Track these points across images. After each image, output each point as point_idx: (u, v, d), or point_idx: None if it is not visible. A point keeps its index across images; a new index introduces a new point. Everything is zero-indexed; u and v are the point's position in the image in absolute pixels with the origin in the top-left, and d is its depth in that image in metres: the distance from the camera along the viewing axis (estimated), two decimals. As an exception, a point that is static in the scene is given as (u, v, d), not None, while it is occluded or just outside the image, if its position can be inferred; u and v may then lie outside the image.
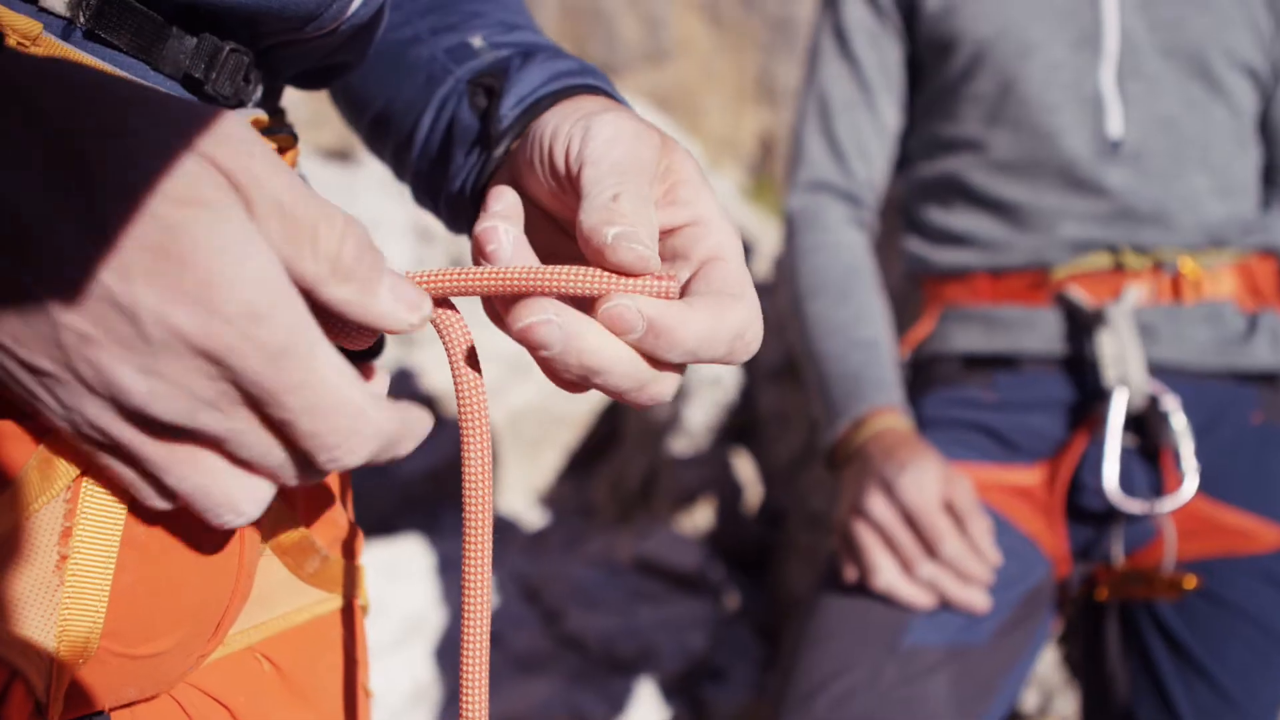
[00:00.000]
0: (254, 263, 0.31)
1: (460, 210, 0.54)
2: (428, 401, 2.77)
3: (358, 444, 0.34)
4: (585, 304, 0.39)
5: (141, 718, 0.41)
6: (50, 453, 0.36)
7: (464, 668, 0.43)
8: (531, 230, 0.47)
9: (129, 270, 0.31)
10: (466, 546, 0.42)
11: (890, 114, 1.25)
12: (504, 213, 0.43)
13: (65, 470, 0.36)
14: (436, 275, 0.40)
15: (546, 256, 0.45)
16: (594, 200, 0.40)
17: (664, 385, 0.40)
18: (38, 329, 0.31)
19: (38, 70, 0.32)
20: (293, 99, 0.61)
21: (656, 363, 0.39)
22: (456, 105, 0.53)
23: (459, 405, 0.41)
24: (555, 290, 0.38)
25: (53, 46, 0.37)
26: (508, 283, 0.39)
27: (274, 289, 0.32)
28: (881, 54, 1.24)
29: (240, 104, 0.45)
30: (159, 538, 0.39)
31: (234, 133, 0.33)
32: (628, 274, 0.39)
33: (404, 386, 2.75)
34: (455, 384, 0.41)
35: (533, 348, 0.37)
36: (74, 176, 0.31)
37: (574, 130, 0.43)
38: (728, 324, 0.39)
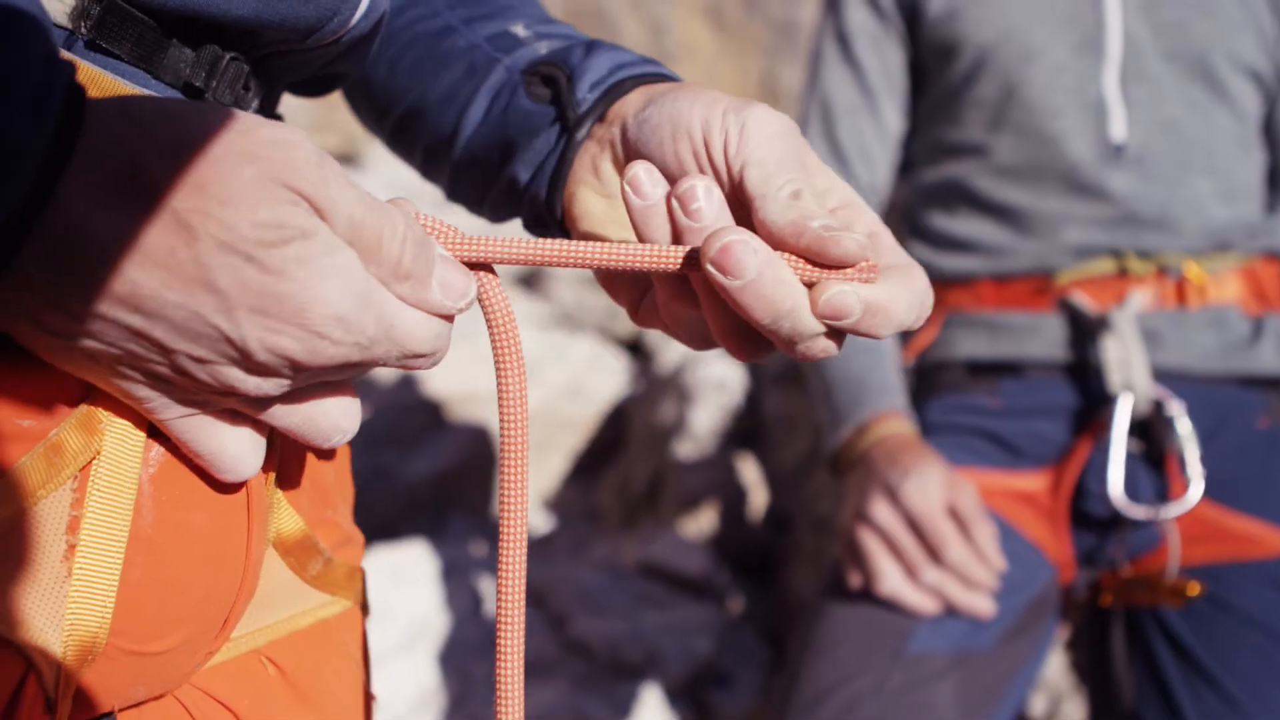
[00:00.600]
0: (341, 279, 0.36)
1: (526, 199, 0.54)
2: (432, 407, 2.77)
3: (440, 349, 0.40)
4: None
5: (149, 718, 0.41)
6: (57, 440, 0.37)
7: (499, 661, 0.43)
8: (611, 214, 0.49)
9: (233, 309, 0.34)
10: (504, 511, 0.44)
11: (893, 118, 1.25)
12: (673, 180, 0.44)
13: (72, 458, 0.37)
14: (548, 247, 0.42)
15: (623, 235, 0.47)
16: (777, 198, 0.41)
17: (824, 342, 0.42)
18: (151, 353, 0.35)
19: (125, 119, 0.34)
20: (297, 104, 0.60)
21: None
22: (511, 97, 0.53)
23: (498, 369, 0.44)
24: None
25: None
26: (658, 259, 0.42)
27: (359, 296, 0.36)
28: (884, 58, 1.24)
29: (241, 109, 0.45)
30: (166, 532, 0.39)
31: (309, 158, 0.36)
32: (848, 264, 0.41)
33: (407, 391, 2.76)
34: (494, 347, 0.44)
35: (735, 274, 0.39)
36: (179, 236, 0.33)
37: (729, 124, 0.44)
38: (919, 292, 0.42)
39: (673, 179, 0.44)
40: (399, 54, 0.57)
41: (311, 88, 0.55)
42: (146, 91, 0.41)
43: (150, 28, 0.40)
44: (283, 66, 0.47)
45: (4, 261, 0.32)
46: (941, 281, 1.21)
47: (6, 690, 0.36)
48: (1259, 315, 1.13)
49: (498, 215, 0.57)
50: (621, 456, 2.87)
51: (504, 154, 0.53)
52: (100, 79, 0.39)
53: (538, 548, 2.46)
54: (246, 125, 0.35)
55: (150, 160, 0.33)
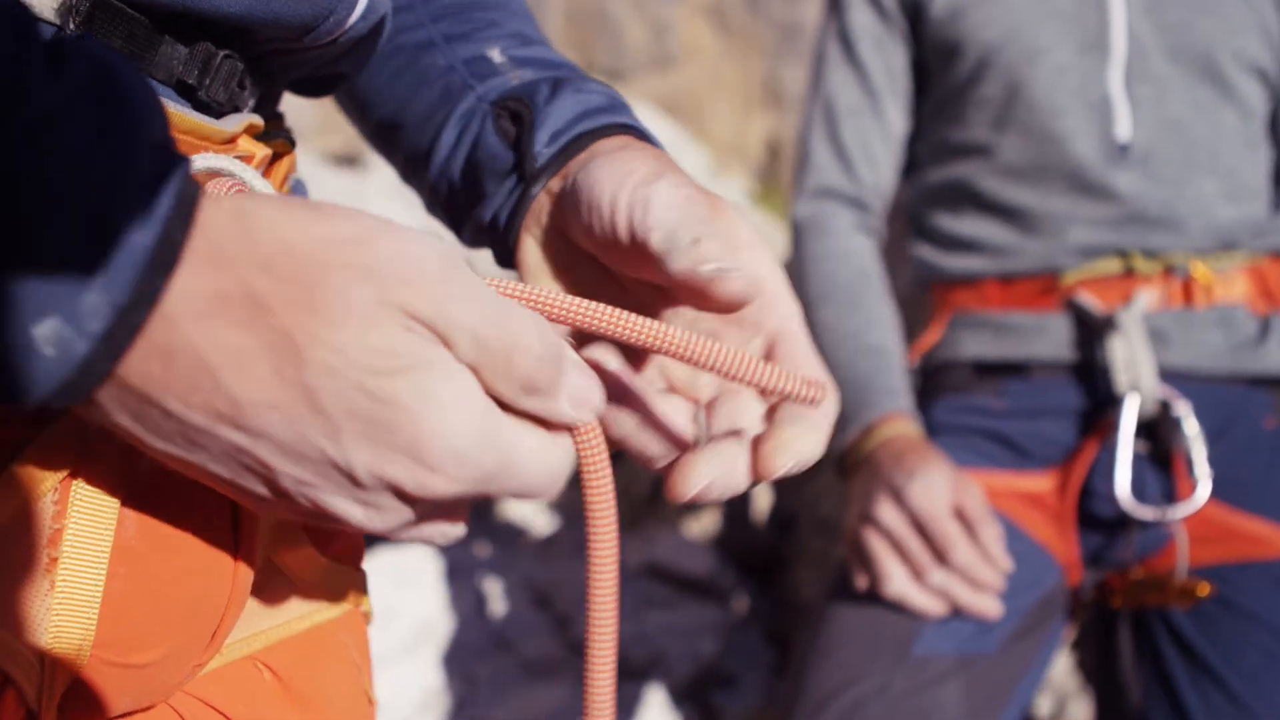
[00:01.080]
0: (458, 412, 0.33)
1: (491, 239, 0.54)
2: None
3: (555, 490, 0.38)
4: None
5: None
6: (37, 451, 0.36)
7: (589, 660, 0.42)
8: (571, 266, 0.48)
9: (341, 435, 0.33)
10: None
11: (897, 119, 1.24)
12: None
13: (53, 470, 0.36)
14: (560, 303, 0.40)
15: (585, 293, 0.45)
16: (678, 249, 0.41)
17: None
18: (254, 469, 0.34)
19: (236, 225, 0.32)
20: (300, 103, 0.60)
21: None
22: (480, 128, 0.52)
23: (590, 525, 0.41)
24: (696, 360, 0.39)
25: None
26: (648, 336, 0.39)
27: (478, 430, 0.34)
28: (887, 59, 1.23)
29: (235, 109, 0.45)
30: (150, 543, 0.39)
31: (431, 273, 0.33)
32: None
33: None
34: (587, 500, 0.41)
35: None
36: (286, 355, 0.32)
37: (634, 201, 0.43)
38: (821, 436, 0.42)
39: (585, 245, 0.46)
40: (381, 61, 0.57)
41: (312, 87, 0.54)
42: None
43: (141, 24, 0.39)
44: (280, 65, 0.47)
45: (103, 370, 0.31)
46: (946, 282, 1.21)
47: None
48: (1266, 314, 1.12)
49: (472, 245, 0.57)
50: (626, 458, 2.86)
51: (473, 192, 0.53)
52: None
53: (542, 549, 2.46)
54: (367, 234, 0.33)
55: (258, 274, 0.32)
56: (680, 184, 0.44)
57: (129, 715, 0.41)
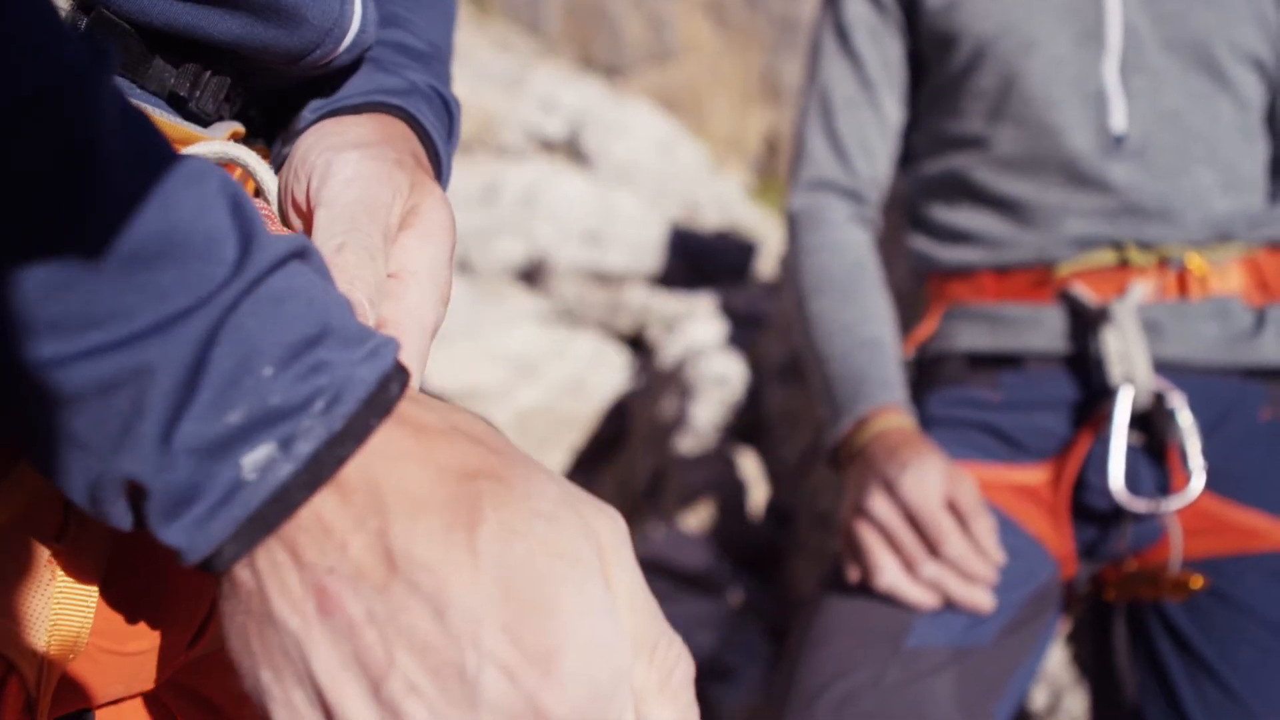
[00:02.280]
0: (609, 634, 0.30)
1: None
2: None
3: None
4: None
5: (127, 715, 0.42)
6: None
7: None
8: None
9: (480, 618, 0.28)
10: None
11: (892, 110, 1.24)
12: None
13: None
14: None
15: None
16: (325, 249, 0.40)
17: None
18: (347, 664, 0.29)
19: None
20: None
21: None
22: None
23: None
24: None
25: None
26: None
27: (620, 667, 0.30)
28: (883, 50, 1.23)
29: (220, 118, 0.46)
30: (146, 537, 0.39)
31: (607, 508, 0.33)
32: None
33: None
34: None
35: None
36: (461, 524, 0.29)
37: (317, 163, 0.43)
38: None
39: (285, 212, 0.44)
40: None
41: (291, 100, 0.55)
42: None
43: (135, 40, 0.40)
44: (267, 80, 0.48)
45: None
46: (942, 274, 1.21)
47: None
48: (1261, 306, 1.12)
49: None
50: (623, 452, 2.86)
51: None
52: None
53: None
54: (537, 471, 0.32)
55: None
56: (363, 160, 0.43)
57: (118, 703, 0.42)
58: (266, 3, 0.42)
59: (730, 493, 2.36)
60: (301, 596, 0.29)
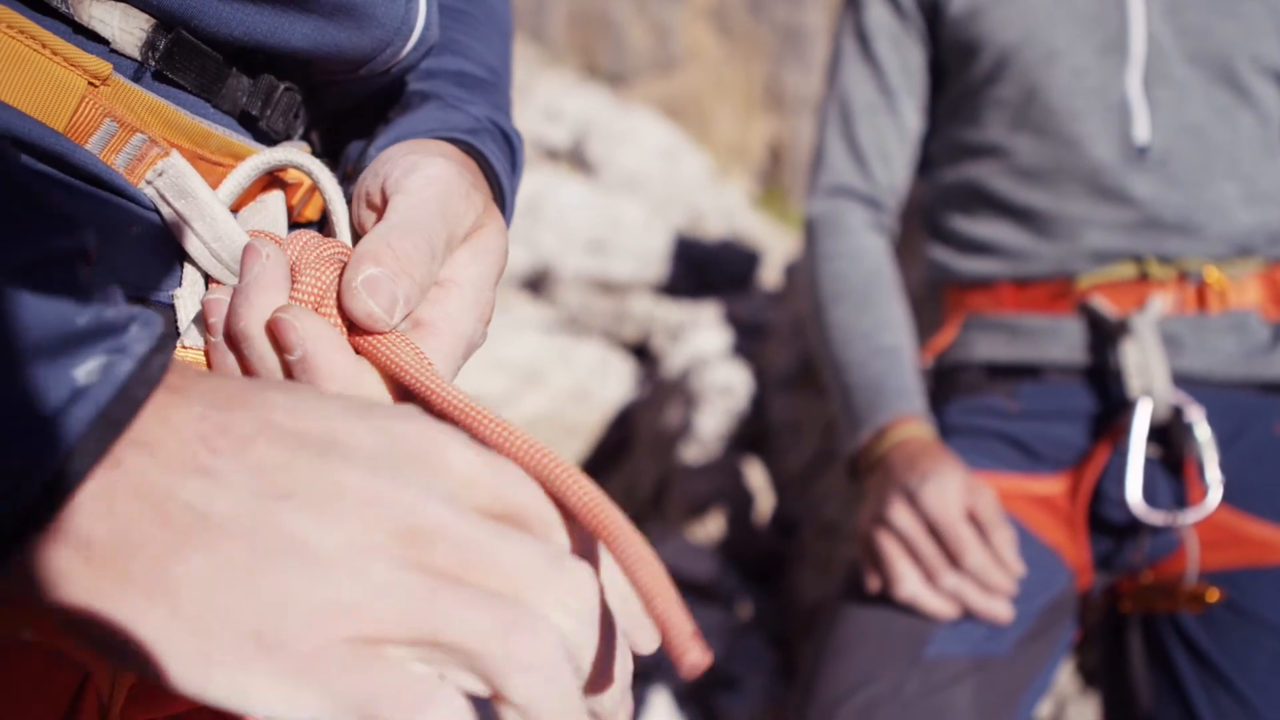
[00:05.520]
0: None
1: None
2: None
3: None
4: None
5: None
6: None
7: None
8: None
9: None
10: None
11: (912, 117, 1.24)
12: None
13: None
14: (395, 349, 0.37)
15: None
16: (383, 225, 0.40)
17: None
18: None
19: None
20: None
21: None
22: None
23: None
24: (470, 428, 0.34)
25: (120, 86, 0.38)
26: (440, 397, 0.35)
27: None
28: (904, 57, 1.23)
29: (289, 136, 0.47)
30: None
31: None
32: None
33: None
34: None
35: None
36: None
37: (401, 162, 0.43)
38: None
39: (355, 211, 0.44)
40: None
41: (348, 120, 0.55)
42: (203, 120, 0.41)
43: (214, 59, 0.41)
44: (333, 95, 0.49)
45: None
46: (961, 284, 1.21)
47: (67, 695, 0.37)
48: (1278, 321, 1.12)
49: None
50: (627, 461, 2.86)
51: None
52: (163, 109, 0.40)
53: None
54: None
55: None
56: (463, 175, 0.43)
57: (186, 712, 0.42)
58: (337, 3, 0.42)
59: (735, 502, 2.36)
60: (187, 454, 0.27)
